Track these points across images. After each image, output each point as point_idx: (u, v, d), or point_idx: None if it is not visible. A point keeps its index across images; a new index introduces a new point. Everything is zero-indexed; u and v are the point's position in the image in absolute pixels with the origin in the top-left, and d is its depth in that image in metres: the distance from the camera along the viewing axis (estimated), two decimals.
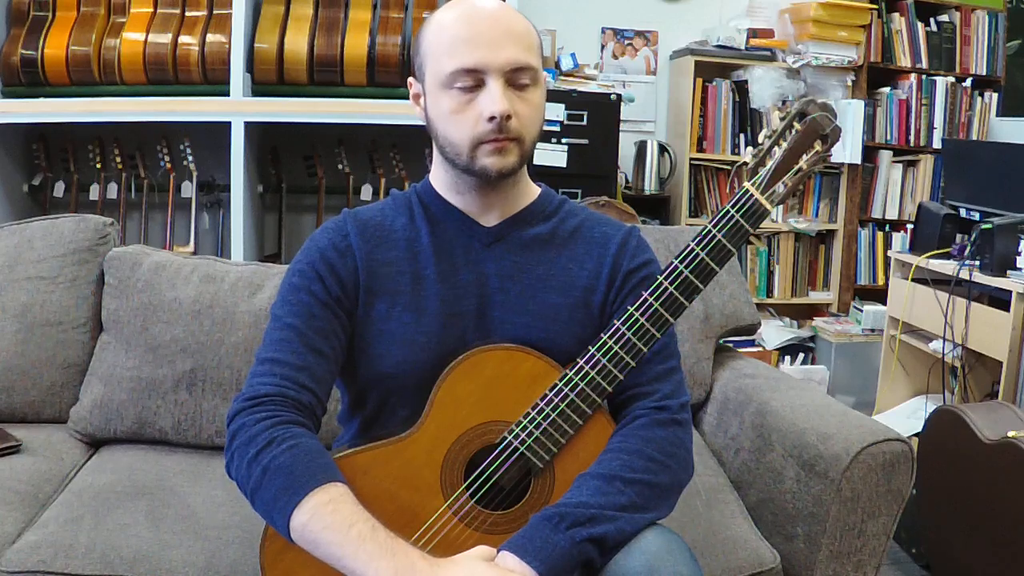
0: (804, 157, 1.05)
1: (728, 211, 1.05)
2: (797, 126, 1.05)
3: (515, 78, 1.06)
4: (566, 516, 0.97)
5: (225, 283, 1.70)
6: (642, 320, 1.05)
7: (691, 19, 3.65)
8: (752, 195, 1.04)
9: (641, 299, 1.05)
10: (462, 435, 1.07)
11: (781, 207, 3.55)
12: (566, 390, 1.05)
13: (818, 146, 1.05)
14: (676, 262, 1.05)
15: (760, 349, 3.48)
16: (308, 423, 1.06)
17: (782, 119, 1.06)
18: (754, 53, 3.50)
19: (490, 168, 1.08)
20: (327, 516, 0.94)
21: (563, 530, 0.96)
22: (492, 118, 1.04)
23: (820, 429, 1.42)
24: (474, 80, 1.05)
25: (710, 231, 1.05)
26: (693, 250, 1.05)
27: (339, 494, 0.97)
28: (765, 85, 3.45)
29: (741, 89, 3.51)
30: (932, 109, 3.61)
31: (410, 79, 1.14)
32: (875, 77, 3.58)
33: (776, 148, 1.05)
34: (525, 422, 1.05)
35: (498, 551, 0.97)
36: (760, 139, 1.07)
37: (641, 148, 3.52)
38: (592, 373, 1.05)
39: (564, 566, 0.95)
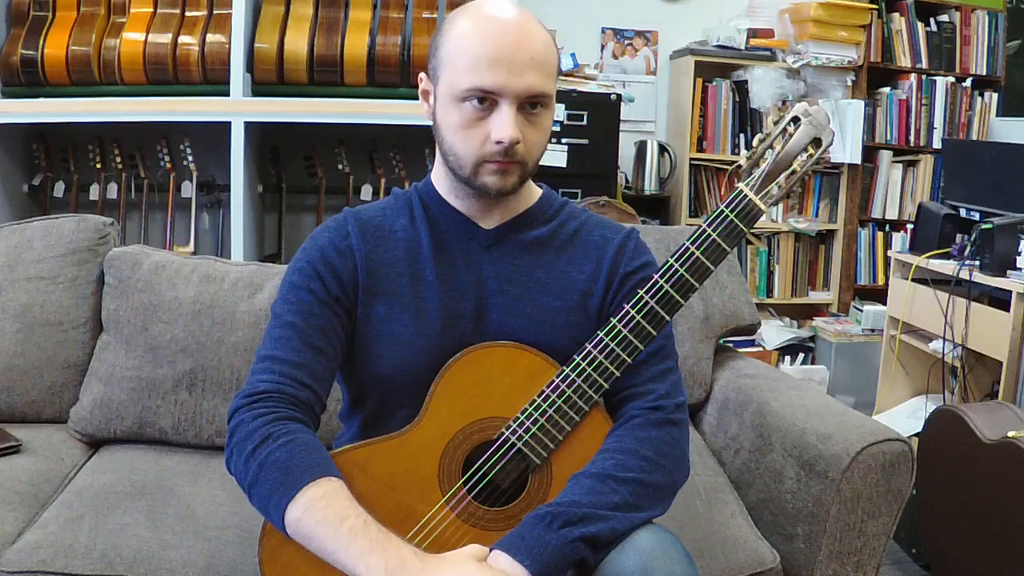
0: (798, 160, 1.06)
1: (722, 211, 1.06)
2: (790, 130, 1.06)
3: (529, 103, 1.06)
4: (558, 515, 0.97)
5: (225, 283, 1.70)
6: (639, 318, 1.05)
7: (691, 19, 3.65)
8: (746, 196, 1.06)
9: (637, 297, 1.06)
10: (460, 431, 1.07)
11: (781, 207, 3.57)
12: (563, 386, 1.05)
13: (811, 150, 1.06)
14: (672, 261, 1.06)
15: (760, 349, 3.48)
16: (306, 419, 1.06)
17: (775, 123, 1.07)
18: (754, 53, 3.50)
19: (490, 187, 1.08)
20: (320, 511, 0.95)
21: (555, 529, 0.96)
22: (500, 142, 1.04)
23: (820, 429, 1.42)
24: (488, 99, 1.04)
25: (705, 231, 1.06)
26: (688, 249, 1.05)
27: (333, 489, 0.97)
28: (765, 85, 3.46)
29: (741, 89, 3.52)
30: (932, 109, 3.61)
31: (422, 75, 1.14)
32: (875, 77, 3.58)
33: (769, 151, 1.07)
34: (523, 418, 1.06)
35: (490, 550, 0.97)
36: (755, 143, 1.08)
37: (641, 148, 3.53)
38: (589, 370, 1.05)
39: (556, 565, 0.95)
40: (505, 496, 1.08)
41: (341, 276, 1.12)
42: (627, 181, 3.58)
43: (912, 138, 3.63)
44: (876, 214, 3.69)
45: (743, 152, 1.08)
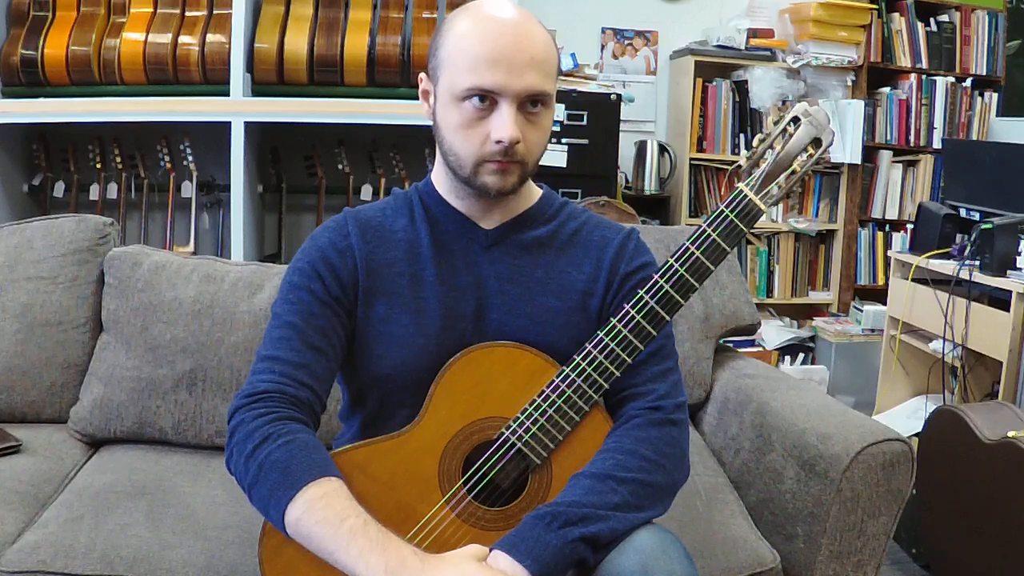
0: (798, 160, 1.07)
1: (722, 211, 1.06)
2: (790, 130, 1.06)
3: (529, 102, 1.06)
4: (558, 515, 0.97)
5: (225, 283, 1.70)
6: (639, 318, 1.05)
7: (691, 19, 3.65)
8: (746, 196, 1.06)
9: (637, 297, 1.06)
10: (460, 431, 1.07)
11: (781, 207, 3.57)
12: (563, 386, 1.05)
13: (811, 150, 1.07)
14: (672, 261, 1.06)
15: (760, 349, 3.48)
16: (306, 419, 1.06)
17: (775, 123, 1.07)
18: (754, 53, 3.50)
19: (490, 186, 1.08)
20: (320, 511, 0.95)
21: (555, 529, 0.96)
22: (499, 142, 1.04)
23: (820, 429, 1.42)
24: (488, 99, 1.04)
25: (705, 231, 1.06)
26: (688, 249, 1.05)
27: (333, 489, 0.97)
28: (765, 85, 3.46)
29: (741, 89, 3.52)
30: (932, 109, 3.61)
31: (422, 75, 1.14)
32: (875, 77, 3.58)
33: (769, 151, 1.07)
34: (523, 418, 1.06)
35: (490, 550, 0.97)
36: (755, 143, 1.08)
37: (641, 148, 3.53)
38: (589, 370, 1.05)
39: (556, 565, 0.95)
40: (505, 496, 1.08)
41: (341, 276, 1.12)
42: (627, 181, 3.58)
43: (912, 138, 3.63)
44: (876, 214, 3.69)
45: (743, 152, 1.08)
